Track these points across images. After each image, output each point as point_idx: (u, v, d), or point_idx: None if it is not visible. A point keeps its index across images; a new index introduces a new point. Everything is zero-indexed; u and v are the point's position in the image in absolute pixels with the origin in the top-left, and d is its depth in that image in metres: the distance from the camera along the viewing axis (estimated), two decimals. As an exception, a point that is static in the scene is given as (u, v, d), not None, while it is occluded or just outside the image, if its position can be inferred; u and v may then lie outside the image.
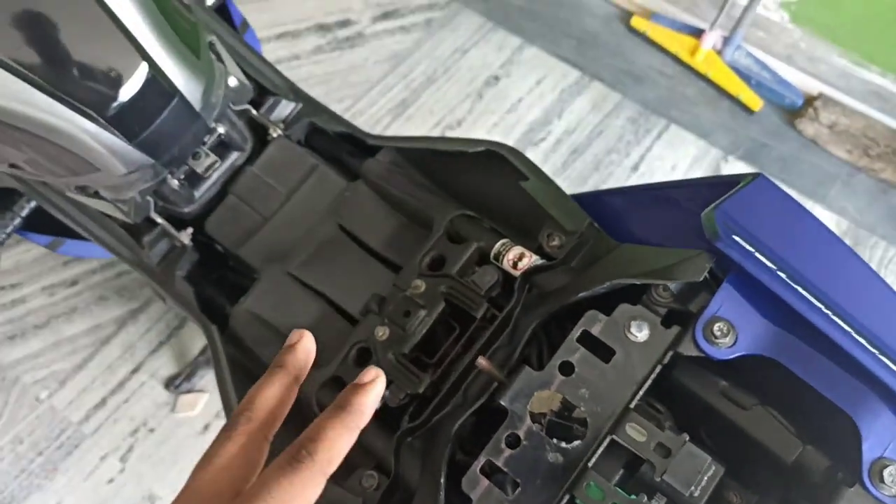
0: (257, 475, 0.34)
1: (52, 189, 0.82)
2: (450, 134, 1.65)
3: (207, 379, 1.39)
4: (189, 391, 1.37)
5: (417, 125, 1.66)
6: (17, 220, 0.99)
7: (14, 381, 1.39)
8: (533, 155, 1.63)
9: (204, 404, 1.36)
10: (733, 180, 0.53)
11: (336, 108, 0.84)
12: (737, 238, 0.47)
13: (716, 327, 0.47)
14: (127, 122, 0.64)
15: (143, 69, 0.64)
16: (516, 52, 1.77)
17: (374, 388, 0.37)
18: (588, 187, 1.61)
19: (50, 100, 0.62)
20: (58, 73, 0.62)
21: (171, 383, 1.37)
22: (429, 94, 1.69)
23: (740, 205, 0.50)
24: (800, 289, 0.46)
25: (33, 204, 0.97)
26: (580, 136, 1.68)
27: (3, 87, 0.61)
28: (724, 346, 0.47)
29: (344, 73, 1.72)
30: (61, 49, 0.62)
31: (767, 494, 0.50)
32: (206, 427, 1.36)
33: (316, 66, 1.72)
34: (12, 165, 0.76)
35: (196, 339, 1.43)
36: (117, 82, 0.63)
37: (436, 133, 1.65)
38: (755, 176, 0.52)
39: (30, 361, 1.41)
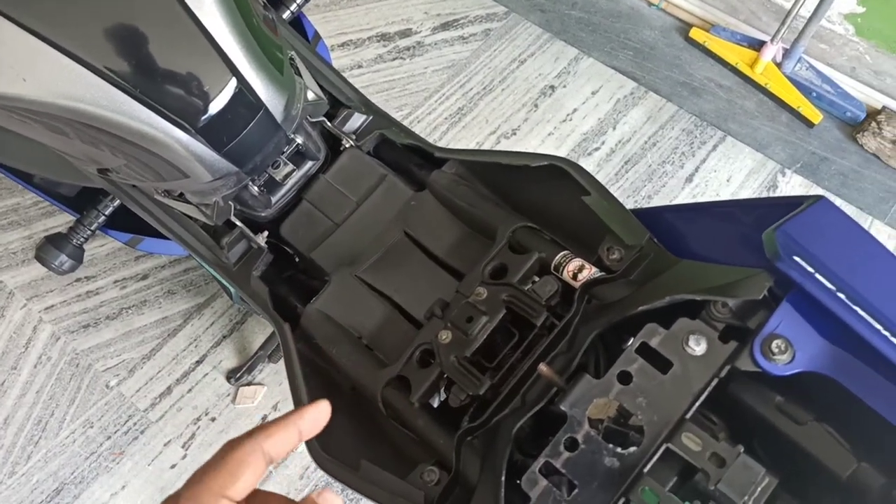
0: None
1: (139, 191, 0.88)
2: (505, 142, 1.68)
3: (266, 373, 1.45)
4: (249, 384, 1.44)
5: (474, 133, 1.69)
6: (102, 219, 1.05)
7: (87, 368, 1.48)
8: (586, 164, 1.65)
9: (262, 396, 1.43)
10: (795, 201, 0.55)
11: (395, 115, 0.88)
12: (797, 259, 0.49)
13: (774, 344, 0.49)
14: (216, 133, 0.70)
15: (232, 84, 0.69)
16: (572, 63, 1.79)
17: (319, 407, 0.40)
18: (641, 197, 1.62)
19: (148, 111, 0.68)
20: (156, 86, 0.67)
21: (233, 376, 1.44)
22: (485, 103, 1.73)
23: (802, 226, 0.51)
24: (858, 309, 0.47)
25: (117, 203, 1.04)
26: (634, 146, 1.69)
27: (107, 99, 0.67)
28: (782, 363, 0.49)
29: (404, 81, 1.77)
30: (160, 64, 0.67)
31: (820, 509, 0.52)
32: (264, 418, 1.42)
33: (377, 74, 1.77)
34: (102, 170, 0.82)
35: (256, 335, 1.49)
36: (209, 96, 0.68)
37: (491, 141, 1.69)
38: (817, 198, 0.53)
39: (101, 350, 1.50)
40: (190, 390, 1.45)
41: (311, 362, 0.76)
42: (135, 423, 1.43)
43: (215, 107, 0.68)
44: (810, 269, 0.49)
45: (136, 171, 0.77)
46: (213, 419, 1.42)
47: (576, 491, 0.52)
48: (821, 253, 0.50)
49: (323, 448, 0.67)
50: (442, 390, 0.71)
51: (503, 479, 0.56)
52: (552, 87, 1.75)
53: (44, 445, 1.40)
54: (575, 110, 1.73)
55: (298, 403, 0.75)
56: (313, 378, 0.73)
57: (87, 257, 1.06)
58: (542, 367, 0.58)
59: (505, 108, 1.73)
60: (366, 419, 0.72)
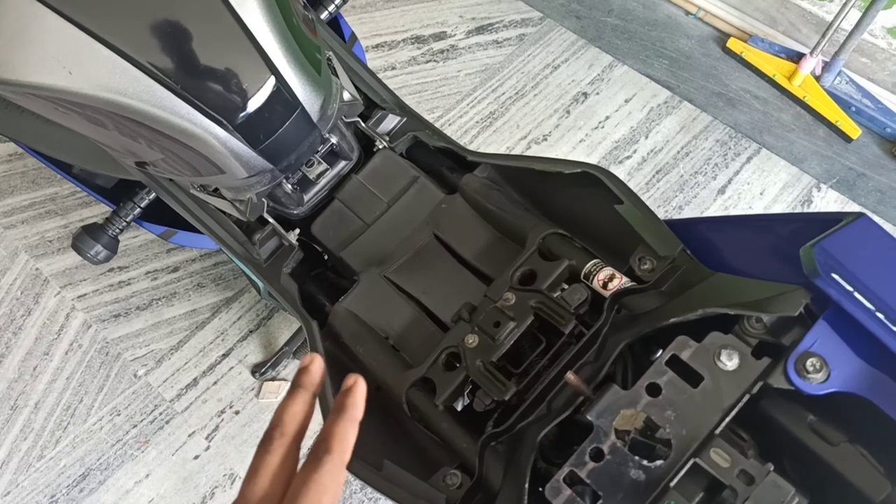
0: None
1: (175, 185, 0.90)
2: (535, 148, 1.68)
3: (290, 369, 1.47)
4: (273, 379, 1.45)
5: (504, 138, 1.69)
6: (137, 210, 1.08)
7: (116, 357, 1.51)
8: (617, 172, 1.63)
9: (286, 392, 1.44)
10: (834, 217, 0.54)
11: (427, 117, 0.88)
12: (836, 276, 0.48)
13: (808, 362, 0.48)
14: (253, 130, 0.71)
15: (270, 82, 0.70)
16: (606, 70, 1.77)
17: (358, 388, 0.44)
18: (672, 207, 1.60)
19: (188, 107, 0.69)
20: (196, 82, 0.68)
21: (258, 370, 1.45)
22: (517, 107, 1.73)
23: (841, 243, 0.50)
24: (898, 331, 0.46)
25: (152, 196, 1.06)
26: (666, 156, 1.67)
27: (149, 94, 0.68)
28: (816, 382, 0.48)
29: (436, 84, 1.77)
30: (201, 61, 0.68)
31: (851, 532, 0.51)
32: (287, 415, 1.43)
33: (410, 76, 1.78)
34: (140, 163, 0.83)
35: (282, 331, 1.51)
36: (247, 94, 0.69)
37: (521, 146, 1.68)
38: (858, 215, 0.52)
39: (131, 339, 1.52)
40: (215, 383, 1.47)
41: (337, 360, 0.77)
42: (161, 413, 1.45)
43: (253, 104, 0.69)
44: (849, 288, 0.48)
45: (173, 165, 0.78)
46: (237, 412, 1.44)
47: (600, 502, 0.52)
48: (860, 271, 0.49)
49: (346, 446, 0.67)
50: (467, 394, 0.71)
51: (527, 485, 0.56)
52: (585, 94, 1.75)
53: (72, 431, 1.43)
54: (607, 118, 1.71)
55: (322, 400, 0.76)
56: (339, 376, 0.74)
57: (120, 248, 1.08)
58: (570, 376, 0.57)
59: (537, 114, 1.72)
60: (390, 420, 0.72)
